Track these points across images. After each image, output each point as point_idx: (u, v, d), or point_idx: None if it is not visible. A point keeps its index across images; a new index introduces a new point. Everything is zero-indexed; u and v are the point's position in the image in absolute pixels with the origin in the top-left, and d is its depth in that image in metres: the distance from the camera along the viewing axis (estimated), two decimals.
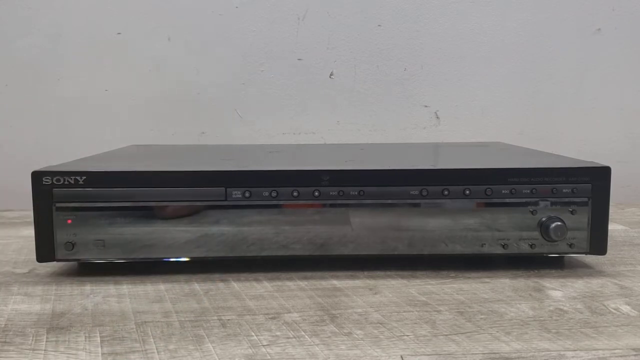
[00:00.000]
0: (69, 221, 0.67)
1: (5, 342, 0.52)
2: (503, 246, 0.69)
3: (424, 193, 0.68)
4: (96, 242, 0.67)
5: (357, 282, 0.67)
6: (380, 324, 0.55)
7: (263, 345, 0.51)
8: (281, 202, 0.68)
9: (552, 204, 0.68)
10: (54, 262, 0.69)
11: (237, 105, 1.17)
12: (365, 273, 0.70)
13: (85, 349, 0.50)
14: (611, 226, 0.73)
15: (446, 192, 0.68)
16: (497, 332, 0.53)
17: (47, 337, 0.53)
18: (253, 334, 0.53)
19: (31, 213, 0.66)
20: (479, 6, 1.17)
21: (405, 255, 0.69)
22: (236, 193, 0.68)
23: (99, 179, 0.67)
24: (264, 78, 1.16)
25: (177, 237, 0.68)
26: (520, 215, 0.68)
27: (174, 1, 1.14)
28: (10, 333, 0.54)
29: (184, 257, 0.68)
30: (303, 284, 0.66)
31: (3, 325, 0.56)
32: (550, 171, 0.69)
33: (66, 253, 0.67)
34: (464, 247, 0.69)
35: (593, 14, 1.18)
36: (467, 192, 0.68)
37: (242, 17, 1.15)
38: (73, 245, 0.67)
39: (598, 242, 0.68)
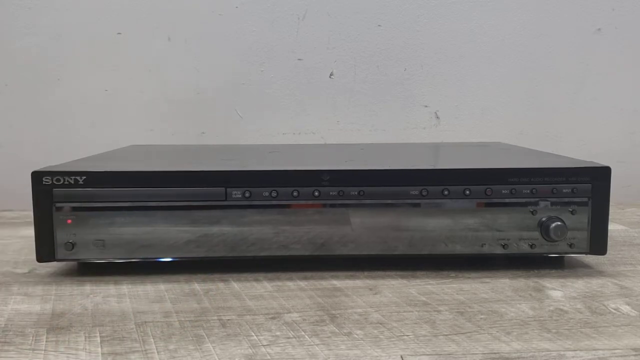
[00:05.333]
0: (69, 221, 0.67)
1: (5, 342, 0.52)
2: (503, 246, 0.69)
3: (424, 193, 0.68)
4: (96, 242, 0.67)
5: (357, 282, 0.67)
6: (380, 324, 0.55)
7: (263, 345, 0.51)
8: (281, 202, 0.68)
9: (552, 204, 0.68)
10: (54, 262, 0.69)
11: (237, 105, 1.16)
12: (365, 273, 0.70)
13: (85, 349, 0.50)
14: (611, 226, 0.73)
15: (446, 192, 0.68)
16: (497, 332, 0.53)
17: (47, 337, 0.53)
18: (253, 334, 0.53)
19: (31, 213, 0.66)
20: (479, 6, 1.17)
21: (405, 255, 0.69)
22: (236, 193, 0.68)
23: (99, 179, 0.67)
24: (264, 78, 1.16)
25: (177, 237, 0.68)
26: (520, 215, 0.68)
27: (174, 1, 1.14)
28: (10, 333, 0.54)
29: (184, 257, 0.68)
30: (303, 284, 0.66)
31: (3, 325, 0.56)
32: (550, 171, 0.69)
33: (66, 253, 0.67)
34: (464, 247, 0.69)
35: (593, 14, 1.18)
36: (467, 192, 0.68)
37: (242, 17, 1.15)
38: (73, 245, 0.67)
39: (598, 242, 0.68)
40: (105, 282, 0.67)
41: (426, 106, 1.19)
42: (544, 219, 0.68)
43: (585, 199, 0.68)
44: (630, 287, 0.65)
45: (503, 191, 0.68)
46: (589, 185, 0.68)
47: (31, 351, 0.50)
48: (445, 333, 0.53)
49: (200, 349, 0.50)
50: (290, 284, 0.67)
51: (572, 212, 0.68)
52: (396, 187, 0.68)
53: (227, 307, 0.60)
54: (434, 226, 0.68)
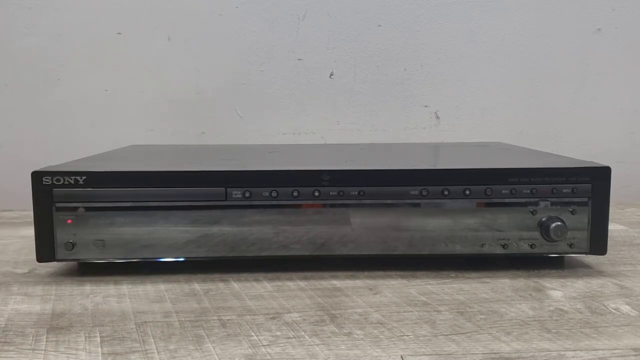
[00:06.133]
0: (69, 221, 0.67)
1: (5, 342, 0.52)
2: (503, 246, 0.69)
3: (424, 193, 0.68)
4: (96, 242, 0.67)
5: (357, 282, 0.67)
6: (380, 324, 0.55)
7: (263, 345, 0.51)
8: (281, 202, 0.68)
9: (552, 204, 0.68)
10: (54, 262, 0.69)
11: (237, 105, 1.16)
12: (365, 273, 0.70)
13: (85, 349, 0.50)
14: (611, 226, 0.73)
15: (446, 192, 0.68)
16: (497, 332, 0.53)
17: (47, 337, 0.53)
18: (253, 334, 0.53)
19: (31, 213, 0.66)
20: (479, 6, 1.17)
21: (405, 255, 0.69)
22: (236, 193, 0.68)
23: (99, 179, 0.67)
24: (264, 78, 1.16)
25: (177, 237, 0.68)
26: (520, 215, 0.68)
27: (174, 1, 1.14)
28: (10, 333, 0.54)
29: (184, 257, 0.68)
30: (303, 284, 0.66)
31: (3, 325, 0.56)
32: (550, 171, 0.69)
33: (66, 253, 0.67)
34: (464, 247, 0.69)
35: (593, 14, 1.18)
36: (467, 192, 0.68)
37: (242, 17, 1.15)
38: (73, 245, 0.67)
39: (598, 242, 0.68)
40: (105, 282, 0.67)
41: (426, 106, 1.19)
42: (544, 219, 0.68)
43: (585, 199, 0.68)
44: (630, 287, 0.65)
45: (503, 191, 0.68)
46: (589, 185, 0.68)
47: (31, 351, 0.50)
48: (445, 333, 0.53)
49: (201, 349, 0.50)
50: (290, 284, 0.67)
51: (572, 212, 0.68)
52: (396, 187, 0.68)
53: (227, 307, 0.60)
54: (434, 226, 0.68)
